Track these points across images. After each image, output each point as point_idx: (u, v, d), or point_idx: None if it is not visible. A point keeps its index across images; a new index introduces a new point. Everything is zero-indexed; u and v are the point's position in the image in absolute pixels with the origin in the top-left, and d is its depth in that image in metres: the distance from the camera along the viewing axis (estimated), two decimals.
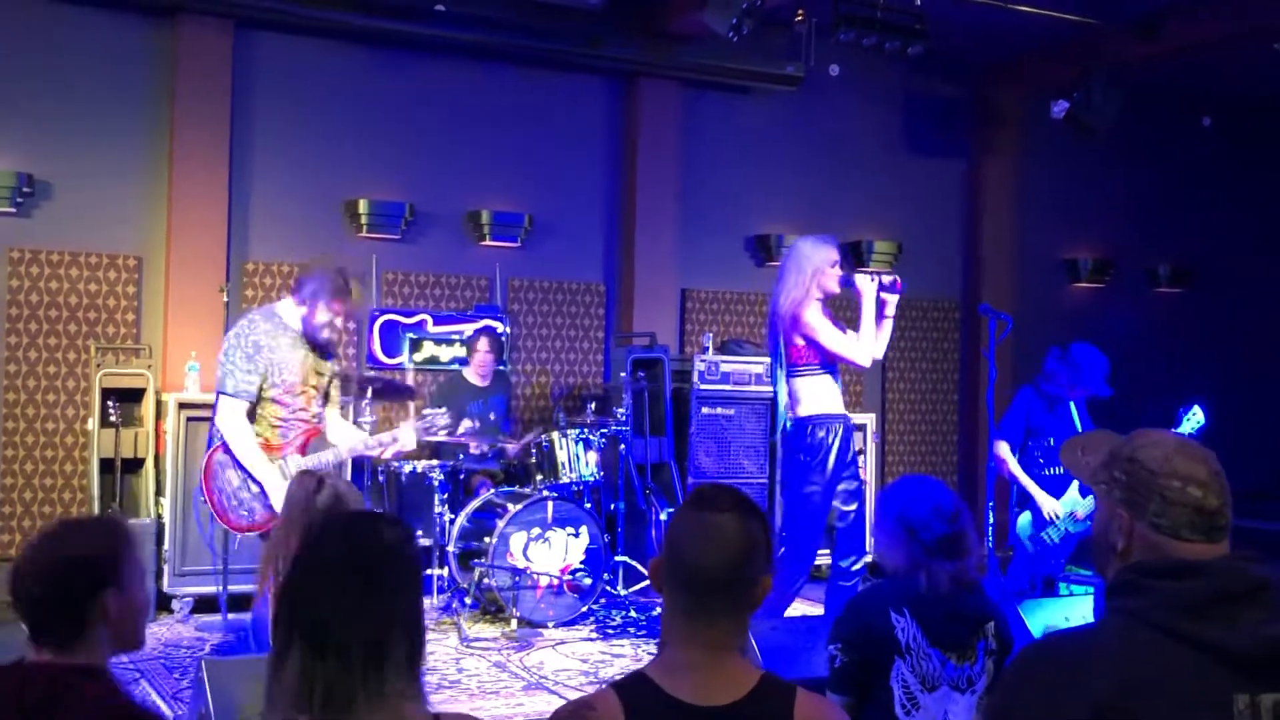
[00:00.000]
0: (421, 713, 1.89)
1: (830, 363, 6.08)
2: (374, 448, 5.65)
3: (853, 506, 6.13)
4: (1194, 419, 6.40)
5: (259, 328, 5.19)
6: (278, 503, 5.04)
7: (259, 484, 5.15)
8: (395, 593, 1.90)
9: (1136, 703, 1.82)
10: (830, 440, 6.01)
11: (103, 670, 2.40)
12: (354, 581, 1.88)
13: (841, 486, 6.10)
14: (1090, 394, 6.83)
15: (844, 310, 7.03)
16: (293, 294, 5.38)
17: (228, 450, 5.15)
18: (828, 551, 6.43)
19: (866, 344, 6.10)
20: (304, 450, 5.31)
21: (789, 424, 6.15)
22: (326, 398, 5.54)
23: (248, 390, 5.09)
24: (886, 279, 6.19)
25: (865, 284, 6.15)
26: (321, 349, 5.44)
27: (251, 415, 5.29)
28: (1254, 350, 11.39)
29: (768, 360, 8.69)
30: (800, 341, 6.03)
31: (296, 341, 5.26)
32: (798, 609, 7.61)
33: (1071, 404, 6.80)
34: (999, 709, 2.02)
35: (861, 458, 8.96)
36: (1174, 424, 6.41)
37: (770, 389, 8.52)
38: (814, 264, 6.07)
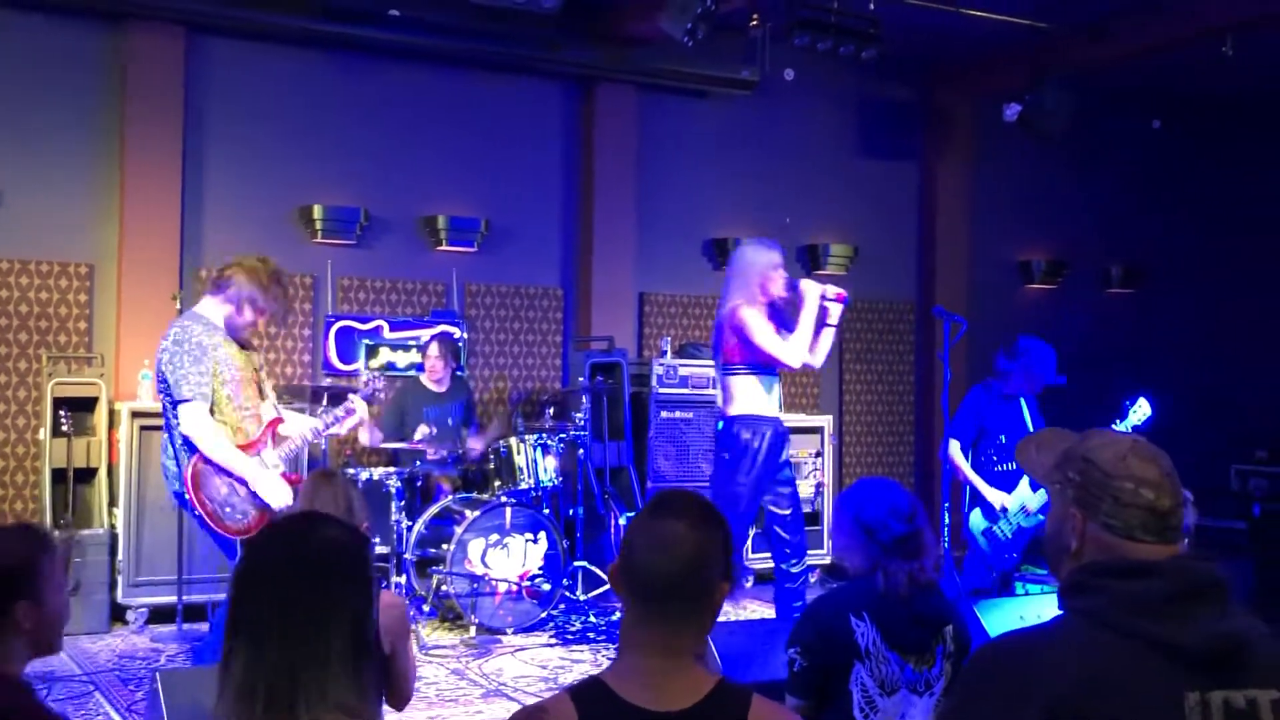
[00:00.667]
0: None
1: (763, 364, 6.05)
2: (332, 425, 5.53)
3: (788, 510, 6.11)
4: (1140, 411, 6.47)
5: (193, 331, 5.06)
6: (267, 496, 5.03)
7: (245, 484, 5.05)
8: (338, 595, 1.89)
9: (1089, 702, 1.84)
10: (756, 444, 5.97)
11: (11, 677, 2.43)
12: (296, 581, 1.87)
13: (773, 490, 6.10)
14: (1044, 384, 6.90)
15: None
16: (216, 291, 5.21)
17: (205, 459, 5.01)
18: (768, 554, 6.44)
19: (797, 346, 6.02)
20: (275, 441, 5.22)
21: (720, 423, 6.18)
22: (260, 391, 5.37)
23: (204, 392, 4.98)
24: (832, 291, 6.17)
25: (810, 289, 6.14)
26: (241, 344, 5.31)
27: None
28: (1205, 350, 11.53)
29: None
30: (733, 340, 6.01)
31: (227, 338, 5.17)
32: (755, 611, 7.64)
33: (1022, 401, 6.86)
34: (954, 710, 2.03)
35: (819, 459, 9.03)
36: (1120, 416, 6.48)
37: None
38: (758, 268, 6.07)
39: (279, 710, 1.81)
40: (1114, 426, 6.32)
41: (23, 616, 2.43)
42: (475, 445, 7.83)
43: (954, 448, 6.80)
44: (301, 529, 1.98)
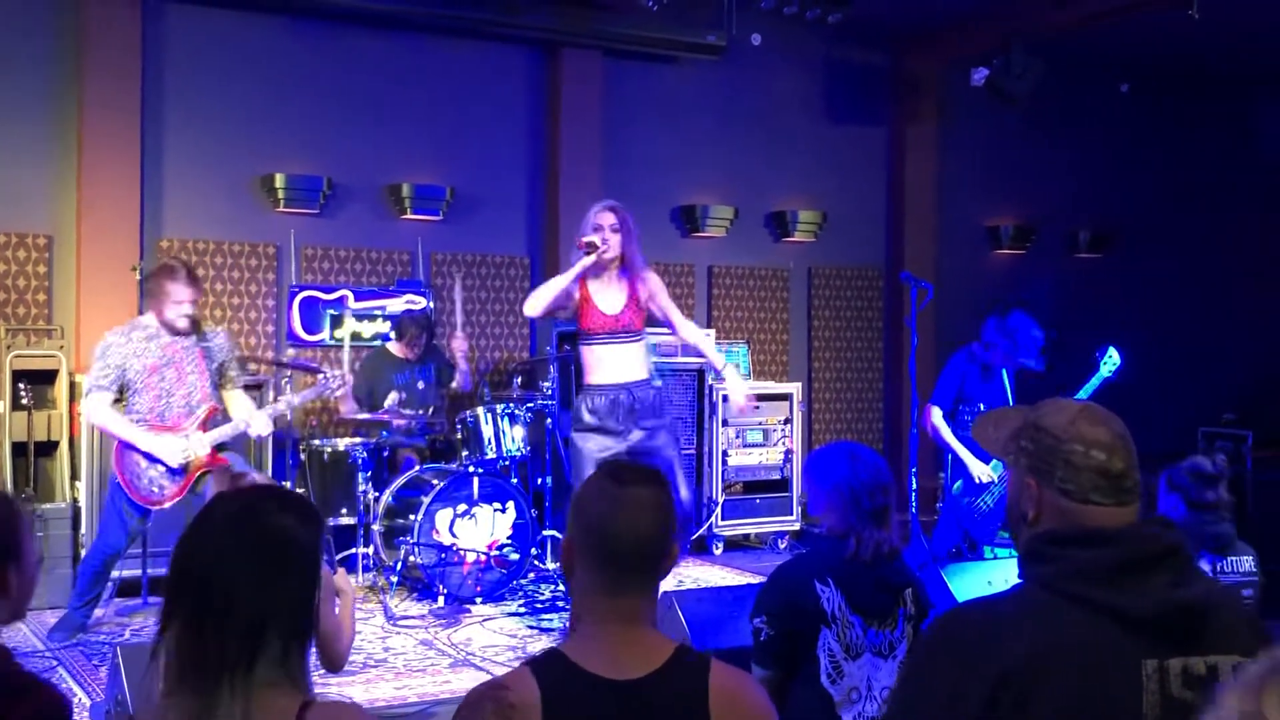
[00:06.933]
0: (291, 698, 1.87)
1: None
2: (229, 433, 6.12)
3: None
4: (1110, 361, 6.58)
5: (114, 333, 5.94)
6: (158, 454, 5.86)
7: (160, 461, 5.88)
8: (280, 575, 1.87)
9: (1043, 671, 1.83)
10: None
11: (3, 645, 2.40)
12: (239, 558, 1.86)
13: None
14: (1022, 366, 6.89)
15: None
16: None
17: (119, 440, 5.90)
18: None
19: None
20: (205, 426, 5.99)
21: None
22: (222, 379, 6.20)
23: (101, 384, 5.84)
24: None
25: None
26: (189, 334, 6.03)
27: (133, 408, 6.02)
28: (1173, 314, 11.59)
29: None
30: None
31: (152, 336, 5.92)
32: (726, 578, 7.64)
33: (1004, 373, 6.84)
34: (911, 673, 2.03)
35: (788, 426, 9.03)
36: (1092, 369, 6.58)
37: (697, 360, 8.60)
38: None
39: (208, 687, 1.80)
40: (1089, 379, 6.55)
41: (12, 580, 2.35)
42: (463, 372, 7.94)
43: (936, 415, 6.76)
44: (253, 510, 1.95)
